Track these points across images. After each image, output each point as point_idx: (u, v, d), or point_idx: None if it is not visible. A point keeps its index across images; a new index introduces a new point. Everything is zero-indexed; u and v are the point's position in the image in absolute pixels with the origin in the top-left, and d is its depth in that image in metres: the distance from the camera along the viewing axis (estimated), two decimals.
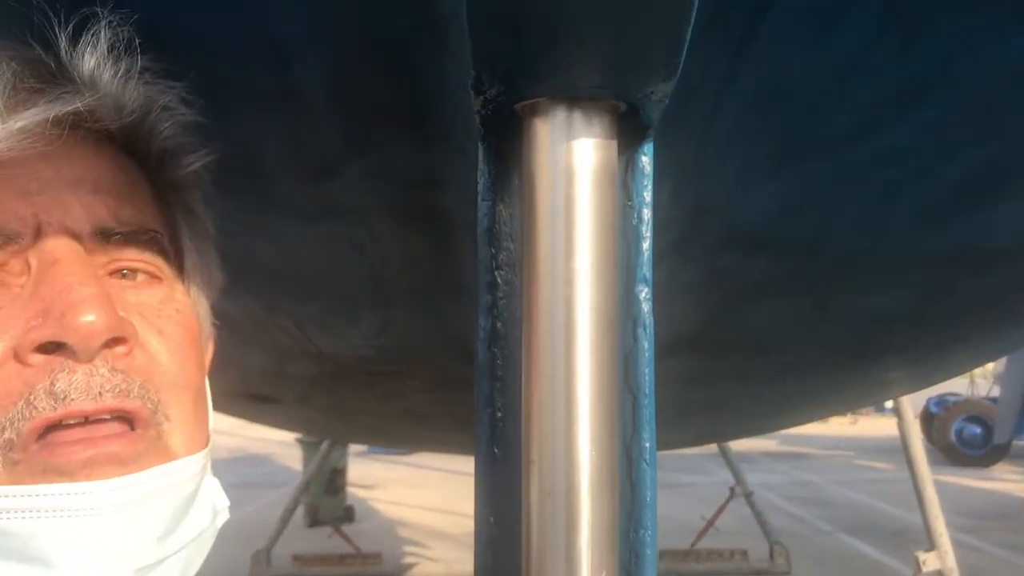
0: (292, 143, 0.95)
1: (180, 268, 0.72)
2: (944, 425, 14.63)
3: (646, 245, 0.70)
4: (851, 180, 1.01)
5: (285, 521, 6.78)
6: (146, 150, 0.70)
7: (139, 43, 0.65)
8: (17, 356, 0.59)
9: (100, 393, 0.59)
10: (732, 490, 7.28)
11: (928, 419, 14.59)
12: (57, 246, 0.61)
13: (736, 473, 7.34)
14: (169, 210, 0.72)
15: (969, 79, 0.80)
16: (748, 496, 7.18)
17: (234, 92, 0.85)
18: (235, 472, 11.70)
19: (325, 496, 8.45)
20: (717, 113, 0.86)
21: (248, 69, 0.82)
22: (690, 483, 10.84)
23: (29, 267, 0.61)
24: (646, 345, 0.69)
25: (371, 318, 1.69)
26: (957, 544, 4.92)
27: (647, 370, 0.69)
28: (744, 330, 1.68)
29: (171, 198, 0.73)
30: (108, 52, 0.63)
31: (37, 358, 0.58)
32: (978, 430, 14.39)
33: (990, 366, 16.04)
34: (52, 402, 0.58)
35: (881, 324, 1.68)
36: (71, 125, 0.63)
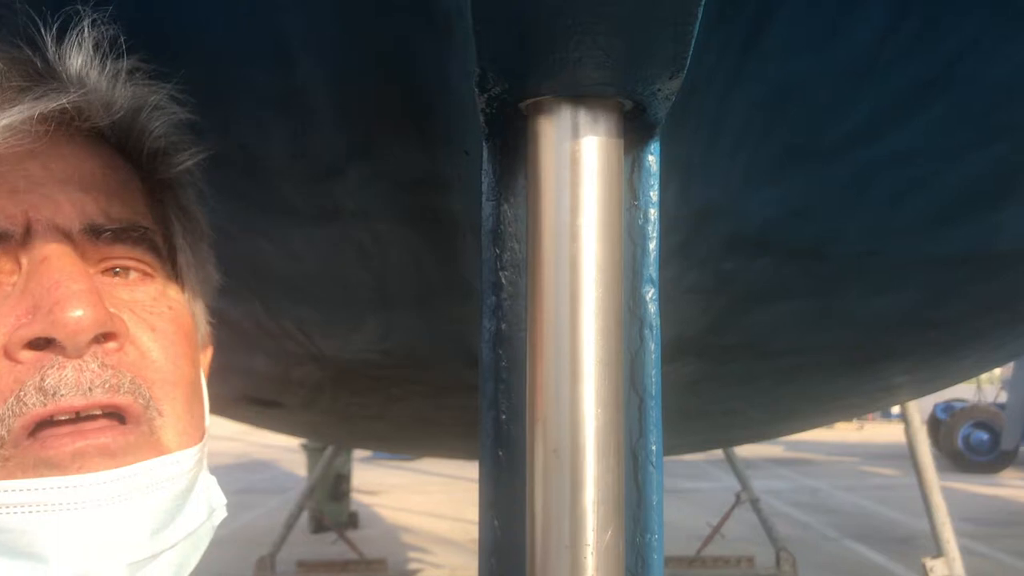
0: (295, 144, 0.95)
1: (174, 266, 0.72)
2: (951, 431, 14.58)
3: (652, 245, 0.69)
4: (858, 182, 1.01)
5: (289, 527, 6.77)
6: (138, 149, 0.70)
7: (136, 42, 0.65)
8: (7, 353, 0.59)
9: (90, 388, 0.59)
10: (738, 496, 7.25)
11: (935, 425, 14.54)
12: (47, 244, 0.61)
13: (742, 479, 7.31)
14: (162, 208, 0.73)
15: (978, 79, 0.79)
16: (754, 502, 7.14)
17: (237, 93, 0.85)
18: (239, 478, 11.71)
19: (329, 502, 8.44)
20: (724, 112, 0.85)
21: (251, 70, 0.81)
22: (696, 489, 10.82)
23: (20, 265, 0.61)
24: (652, 346, 0.69)
25: (375, 321, 1.68)
26: (965, 551, 4.89)
27: (654, 372, 0.68)
28: (750, 333, 1.67)
29: (164, 197, 0.73)
30: (95, 51, 0.63)
31: (27, 354, 0.59)
32: (985, 436, 14.34)
33: (997, 372, 15.99)
34: (42, 398, 0.58)
35: (887, 328, 1.67)
36: (61, 124, 0.63)
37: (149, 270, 0.68)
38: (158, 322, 0.66)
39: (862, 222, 1.14)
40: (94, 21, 0.63)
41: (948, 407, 15.29)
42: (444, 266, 1.28)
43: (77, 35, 0.63)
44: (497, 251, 0.70)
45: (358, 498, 9.53)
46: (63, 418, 0.59)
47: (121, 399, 0.61)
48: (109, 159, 0.68)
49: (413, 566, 7.63)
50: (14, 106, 0.60)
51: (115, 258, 0.66)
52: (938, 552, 4.70)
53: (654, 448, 0.67)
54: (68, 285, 0.59)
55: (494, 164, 0.70)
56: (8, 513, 0.57)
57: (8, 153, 0.61)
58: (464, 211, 1.02)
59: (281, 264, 1.33)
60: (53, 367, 0.59)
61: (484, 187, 0.70)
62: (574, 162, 0.62)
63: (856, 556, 8.07)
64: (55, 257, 0.61)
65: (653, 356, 0.68)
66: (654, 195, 0.69)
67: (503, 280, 0.71)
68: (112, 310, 0.62)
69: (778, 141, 0.92)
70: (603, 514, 0.61)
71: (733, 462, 7.40)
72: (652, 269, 0.69)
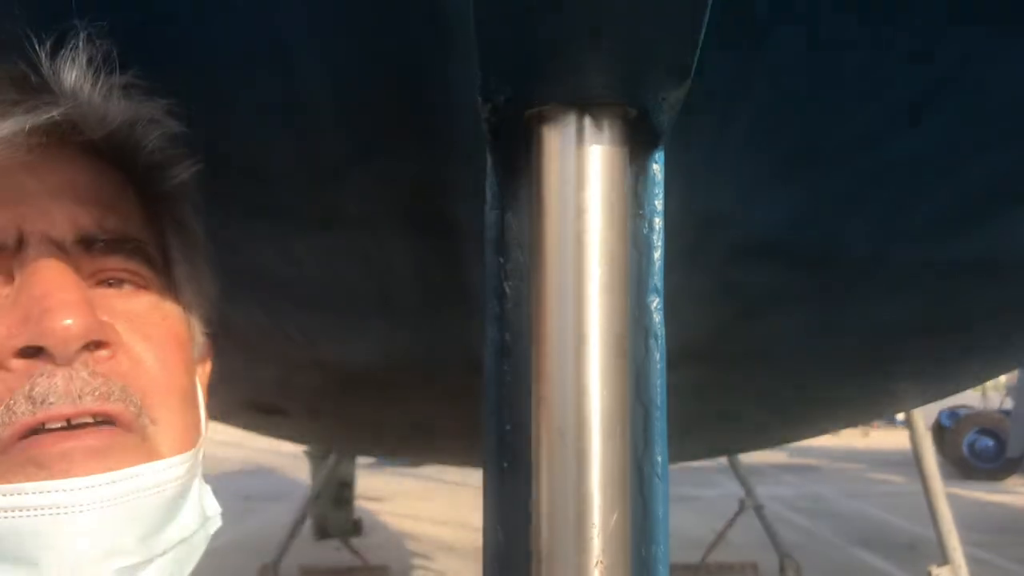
0: (297, 151, 0.94)
1: (169, 278, 0.72)
2: (956, 438, 14.55)
3: (657, 254, 0.68)
4: (865, 188, 1.00)
5: (293, 534, 6.77)
6: (133, 162, 0.70)
7: (135, 54, 0.65)
8: None
9: (79, 396, 0.59)
10: (742, 503, 7.23)
11: (940, 432, 14.50)
12: (39, 255, 0.61)
13: (746, 486, 7.29)
14: (157, 221, 0.73)
15: (987, 82, 0.79)
16: (758, 509, 7.13)
17: (238, 100, 0.85)
18: (243, 484, 11.70)
19: (333, 509, 8.43)
20: (729, 120, 0.85)
21: (253, 77, 0.81)
22: (700, 496, 10.80)
23: (13, 277, 0.61)
24: (658, 356, 0.68)
25: (378, 327, 1.68)
26: (970, 559, 4.87)
27: (659, 382, 0.68)
28: (755, 341, 1.67)
29: (159, 210, 0.73)
30: (88, 65, 0.63)
31: (17, 363, 0.59)
32: (990, 443, 14.31)
33: (1002, 378, 15.95)
34: (31, 406, 0.58)
35: (893, 334, 1.66)
36: (56, 137, 0.63)
37: (144, 282, 0.68)
38: (152, 331, 0.66)
39: (868, 229, 1.13)
40: (88, 36, 0.63)
41: (953, 414, 15.25)
42: (448, 273, 1.28)
43: (71, 50, 0.63)
44: (501, 260, 0.70)
45: (362, 505, 9.52)
46: (54, 426, 0.59)
47: (112, 407, 0.61)
48: (104, 172, 0.69)
49: (417, 573, 7.63)
50: (6, 119, 0.60)
51: (109, 270, 0.66)
52: (944, 560, 4.68)
53: (659, 460, 0.67)
54: (57, 294, 0.59)
55: (498, 172, 0.69)
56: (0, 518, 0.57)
57: (1, 165, 0.61)
58: (468, 219, 1.02)
59: (284, 271, 1.33)
60: (43, 375, 0.59)
61: (488, 195, 0.70)
62: (578, 170, 0.62)
63: (861, 563, 8.05)
64: (47, 268, 0.61)
65: (658, 366, 0.68)
66: (659, 204, 0.68)
67: (507, 289, 0.70)
68: (105, 319, 0.62)
69: (783, 148, 0.91)
70: (607, 518, 0.60)
71: (737, 468, 7.38)
72: (657, 278, 0.68)
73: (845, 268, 1.26)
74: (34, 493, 0.58)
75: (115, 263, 0.66)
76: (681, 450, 3.37)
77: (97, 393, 0.60)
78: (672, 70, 0.58)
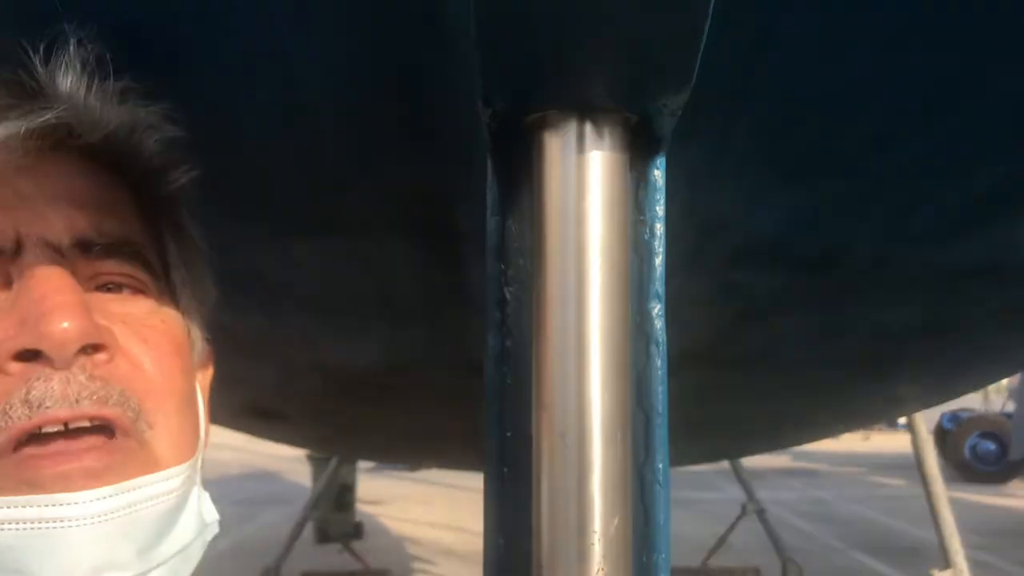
0: (297, 155, 0.94)
1: (167, 282, 0.72)
2: (958, 441, 14.52)
3: (658, 261, 0.68)
4: (868, 193, 1.00)
5: (294, 537, 6.75)
6: (131, 166, 0.70)
7: (137, 61, 0.65)
8: None
9: (76, 400, 0.59)
10: (744, 507, 7.22)
11: (941, 435, 14.48)
12: (36, 259, 0.61)
13: (748, 490, 7.28)
14: (156, 226, 0.73)
15: (993, 87, 0.78)
16: (760, 513, 7.11)
17: (238, 104, 0.84)
18: (245, 488, 11.69)
19: (334, 512, 8.41)
20: (731, 125, 0.84)
21: (252, 81, 0.81)
22: (701, 500, 10.78)
23: (11, 281, 0.61)
24: (659, 363, 0.68)
25: (379, 332, 1.68)
26: (972, 562, 4.86)
27: (660, 388, 0.68)
28: (757, 345, 1.66)
29: (158, 214, 0.73)
30: (83, 70, 0.63)
31: (14, 367, 0.59)
32: (992, 446, 14.28)
33: (1004, 381, 15.92)
34: (27, 410, 0.58)
35: (896, 339, 1.66)
36: (53, 141, 0.63)
37: (141, 286, 0.68)
38: (150, 335, 0.66)
39: (871, 234, 1.13)
40: (80, 41, 0.63)
41: (955, 417, 15.23)
42: (449, 279, 1.28)
43: (66, 55, 0.63)
44: (502, 267, 0.70)
45: (363, 508, 9.51)
46: (51, 430, 0.59)
47: (109, 411, 0.61)
48: (101, 176, 0.69)
49: None
50: (2, 123, 0.60)
51: (106, 274, 0.66)
52: (946, 564, 4.67)
53: (661, 467, 0.67)
54: (54, 297, 0.59)
55: (499, 179, 0.69)
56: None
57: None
58: (468, 223, 1.02)
59: (284, 274, 1.33)
60: (40, 379, 0.58)
61: (489, 202, 0.70)
62: (579, 177, 0.61)
63: (863, 567, 8.03)
64: (43, 271, 0.61)
65: (660, 373, 0.68)
66: (660, 210, 0.68)
67: (508, 296, 0.70)
68: (103, 323, 0.62)
69: (785, 154, 0.91)
70: (608, 524, 0.60)
71: (739, 472, 7.37)
72: (658, 284, 0.68)
73: (847, 271, 1.25)
74: (30, 507, 0.57)
75: (112, 267, 0.66)
76: (683, 454, 3.36)
77: (95, 397, 0.60)
78: (673, 76, 0.58)
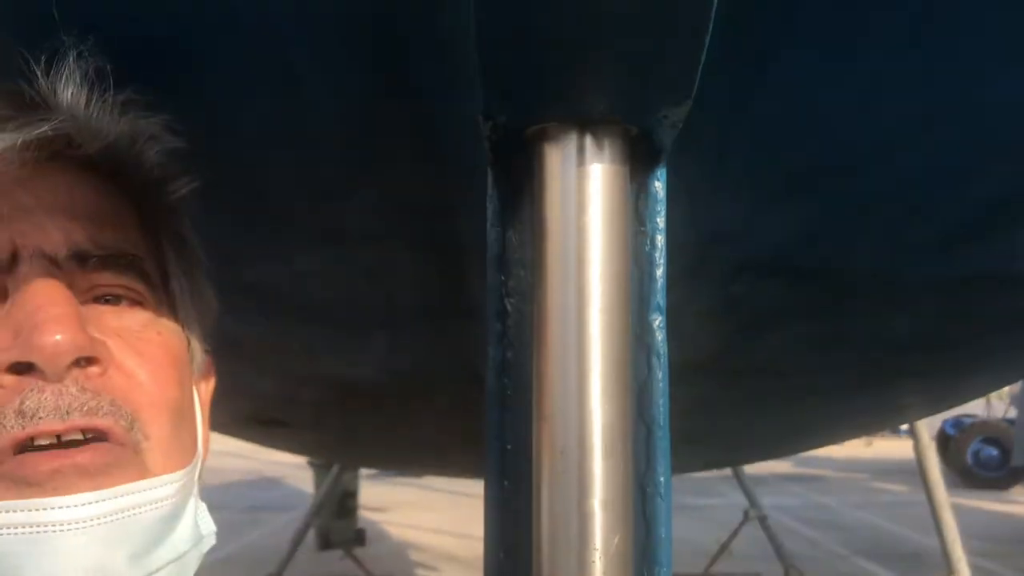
0: (299, 166, 0.94)
1: (167, 294, 0.72)
2: (960, 447, 14.49)
3: (660, 272, 0.68)
4: (869, 204, 1.00)
5: (296, 544, 6.74)
6: (131, 178, 0.70)
7: (138, 72, 0.65)
8: None
9: (67, 412, 0.59)
10: (746, 513, 7.20)
11: (944, 441, 14.46)
12: (32, 270, 0.61)
13: (750, 496, 7.26)
14: (156, 237, 0.73)
15: (991, 100, 0.78)
16: (762, 519, 7.10)
17: (241, 116, 0.84)
18: (247, 495, 11.68)
19: (336, 519, 8.39)
20: (731, 138, 0.84)
21: (256, 94, 0.81)
22: (703, 506, 10.76)
23: (7, 293, 0.62)
24: (660, 375, 0.68)
25: (381, 342, 1.68)
26: (976, 568, 4.85)
27: (661, 400, 0.67)
28: (759, 355, 1.66)
29: (158, 225, 0.73)
30: (83, 82, 0.63)
31: (8, 379, 0.59)
32: (995, 452, 14.25)
33: (1006, 387, 15.90)
34: (20, 421, 0.58)
35: (898, 348, 1.66)
36: (51, 152, 0.64)
37: (139, 298, 0.68)
38: (145, 347, 0.66)
39: (872, 244, 1.13)
40: (80, 53, 0.63)
41: (957, 422, 15.20)
42: (450, 288, 1.28)
43: (66, 67, 0.63)
44: (503, 278, 0.70)
45: (365, 515, 9.49)
46: (44, 443, 0.59)
47: (101, 421, 0.61)
48: (100, 188, 0.69)
49: None
50: None
51: (104, 285, 0.66)
52: (949, 570, 4.66)
53: (662, 480, 0.66)
54: (48, 309, 0.59)
55: (499, 190, 0.69)
56: None
57: None
58: (470, 234, 1.02)
59: (287, 285, 1.33)
60: (33, 391, 0.59)
61: (489, 213, 0.70)
62: (580, 188, 0.61)
63: (866, 573, 8.01)
64: (38, 283, 0.61)
65: (661, 385, 0.67)
66: (661, 221, 0.68)
67: (508, 307, 0.70)
68: (97, 336, 0.62)
69: (786, 166, 0.91)
70: (609, 538, 0.60)
71: (741, 478, 7.36)
72: (659, 296, 0.68)
73: (850, 282, 1.25)
74: (22, 511, 0.57)
75: (110, 279, 0.66)
76: (684, 462, 3.35)
77: (85, 408, 0.60)
78: (674, 89, 0.58)
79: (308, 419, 2.69)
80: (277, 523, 9.33)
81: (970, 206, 1.01)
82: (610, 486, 0.60)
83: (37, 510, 0.58)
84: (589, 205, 0.61)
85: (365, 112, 0.84)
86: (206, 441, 0.77)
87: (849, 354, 1.68)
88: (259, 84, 0.80)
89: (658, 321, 0.68)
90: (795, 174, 0.92)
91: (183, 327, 0.73)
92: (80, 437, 0.60)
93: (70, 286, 0.63)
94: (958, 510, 5.02)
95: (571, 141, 0.61)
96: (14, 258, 0.62)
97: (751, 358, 1.68)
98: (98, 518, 0.59)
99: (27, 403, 0.58)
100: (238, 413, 2.47)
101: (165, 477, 0.65)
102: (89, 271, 0.65)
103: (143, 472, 0.63)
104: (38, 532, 0.58)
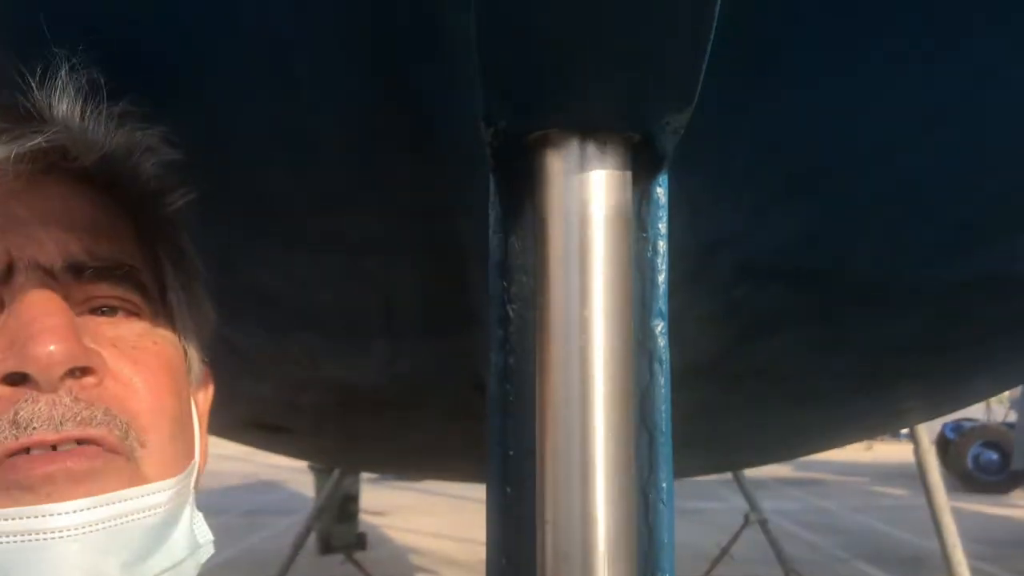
0: (299, 173, 0.94)
1: (164, 305, 0.72)
2: (960, 451, 14.48)
3: (661, 278, 0.68)
4: (869, 206, 1.00)
5: (297, 548, 6.74)
6: (128, 189, 0.70)
7: (135, 80, 0.65)
8: None
9: (61, 422, 0.59)
10: (746, 517, 7.20)
11: (944, 445, 14.44)
12: (27, 282, 0.62)
13: (750, 500, 7.26)
14: (152, 248, 0.73)
15: (994, 103, 0.78)
16: (763, 523, 7.09)
17: (241, 120, 0.84)
18: (247, 499, 11.67)
19: (337, 523, 8.39)
20: (733, 142, 0.84)
21: (256, 98, 0.81)
22: (703, 510, 10.75)
23: (2, 304, 0.62)
24: (662, 381, 0.68)
25: (383, 347, 1.67)
26: (976, 572, 4.84)
27: (664, 406, 0.67)
28: (760, 359, 1.66)
29: (155, 236, 0.73)
30: (77, 94, 0.64)
31: (3, 390, 0.59)
32: (995, 456, 14.24)
33: (1006, 391, 15.88)
34: (14, 431, 0.58)
35: (899, 352, 1.65)
36: (46, 164, 0.64)
37: (136, 308, 0.68)
38: (141, 356, 0.66)
39: (873, 246, 1.13)
40: (74, 65, 0.64)
41: (957, 426, 15.18)
42: (451, 294, 1.28)
43: (61, 79, 0.63)
44: (505, 284, 0.70)
45: (366, 519, 9.48)
46: (39, 452, 0.59)
47: (94, 431, 0.61)
48: (96, 200, 0.69)
49: None
50: None
51: (99, 297, 0.66)
52: (949, 574, 4.65)
53: (664, 486, 0.66)
54: (43, 320, 0.59)
55: (501, 197, 0.69)
56: None
57: None
58: (471, 241, 1.02)
59: (287, 291, 1.33)
60: (27, 401, 0.59)
61: (491, 220, 0.70)
62: (581, 194, 0.61)
63: None
64: (34, 294, 0.61)
65: (663, 391, 0.67)
66: (663, 227, 0.68)
67: (511, 313, 0.70)
68: (93, 346, 0.62)
69: (787, 170, 0.91)
70: (613, 550, 0.60)
71: (741, 482, 7.35)
72: (661, 302, 0.68)
73: (851, 287, 1.25)
74: (14, 519, 0.57)
75: (106, 290, 0.66)
76: (685, 467, 3.35)
77: (79, 419, 0.60)
78: (675, 95, 0.58)
79: (309, 424, 2.69)
80: (277, 527, 9.31)
81: (971, 208, 1.01)
82: (612, 492, 0.60)
83: (31, 517, 0.58)
84: (590, 211, 0.61)
85: (365, 115, 0.84)
86: (204, 451, 0.77)
87: (850, 357, 1.68)
88: (258, 88, 0.80)
89: (660, 327, 0.68)
90: (796, 176, 0.92)
91: (180, 338, 0.73)
92: (74, 447, 0.60)
93: (66, 297, 0.63)
94: (958, 514, 5.02)
95: (573, 147, 0.61)
96: (9, 270, 0.62)
97: (752, 361, 1.67)
98: (92, 525, 0.59)
99: (21, 414, 0.58)
100: (238, 418, 2.47)
101: (159, 484, 0.65)
102: (85, 282, 0.65)
103: (137, 480, 0.63)
104: (32, 540, 0.58)
